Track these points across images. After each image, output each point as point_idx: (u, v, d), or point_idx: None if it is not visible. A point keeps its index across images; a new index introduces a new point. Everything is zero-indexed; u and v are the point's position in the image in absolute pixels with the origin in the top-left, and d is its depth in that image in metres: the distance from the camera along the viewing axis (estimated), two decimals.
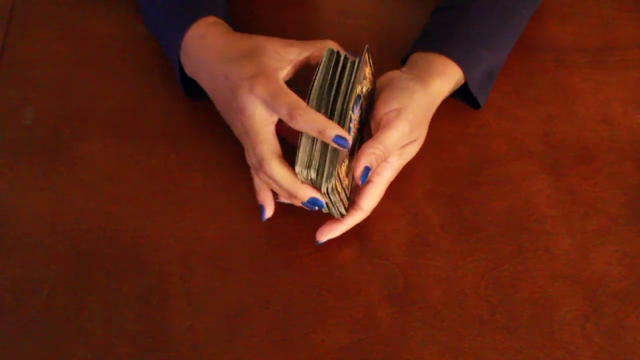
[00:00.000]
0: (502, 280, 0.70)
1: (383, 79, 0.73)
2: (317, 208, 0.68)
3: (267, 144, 0.66)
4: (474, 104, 0.78)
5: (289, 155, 0.67)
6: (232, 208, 0.74)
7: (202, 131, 0.77)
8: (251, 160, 0.68)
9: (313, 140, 0.65)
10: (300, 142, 0.65)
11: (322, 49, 0.69)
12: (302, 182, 0.66)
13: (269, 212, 0.71)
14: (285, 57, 0.68)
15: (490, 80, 0.77)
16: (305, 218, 0.71)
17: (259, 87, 0.66)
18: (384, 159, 0.69)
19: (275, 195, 0.71)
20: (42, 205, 0.74)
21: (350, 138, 0.64)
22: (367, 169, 0.67)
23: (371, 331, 0.68)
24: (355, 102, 0.67)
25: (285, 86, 0.66)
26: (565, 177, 0.75)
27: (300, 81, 0.70)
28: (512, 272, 0.70)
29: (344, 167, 0.67)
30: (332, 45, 0.70)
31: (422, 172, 0.75)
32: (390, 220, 0.73)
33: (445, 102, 0.76)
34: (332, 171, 0.64)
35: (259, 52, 0.68)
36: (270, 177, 0.67)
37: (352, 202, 0.70)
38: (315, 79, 0.67)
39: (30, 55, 0.83)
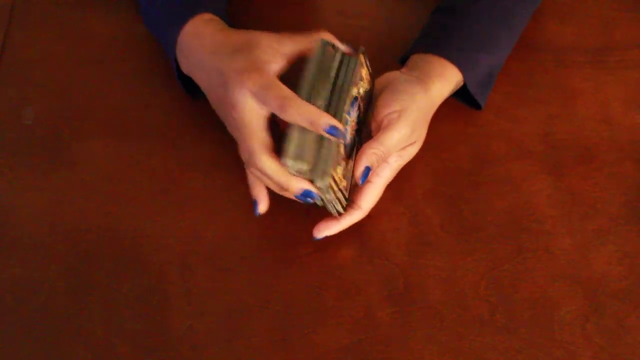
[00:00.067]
0: (502, 280, 0.70)
1: (383, 79, 0.73)
2: (310, 200, 0.67)
3: (257, 138, 0.66)
4: (475, 105, 0.78)
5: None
6: (232, 208, 0.74)
7: (202, 131, 0.77)
8: (243, 155, 0.68)
9: (304, 132, 0.64)
10: (288, 134, 0.64)
11: (316, 40, 0.68)
12: (293, 174, 0.65)
13: (262, 206, 0.70)
14: (279, 50, 0.68)
15: (491, 80, 0.77)
16: (305, 218, 0.71)
17: (250, 81, 0.65)
18: (384, 160, 0.69)
19: (269, 190, 0.70)
20: (42, 205, 0.74)
21: (343, 127, 0.63)
22: (367, 169, 0.67)
23: (371, 331, 0.68)
24: (352, 104, 0.67)
25: (276, 79, 0.66)
26: (565, 177, 0.75)
27: (295, 75, 0.69)
28: (512, 272, 0.70)
29: (340, 169, 0.67)
30: (327, 36, 0.69)
31: (422, 172, 0.75)
32: (390, 220, 0.73)
33: (445, 102, 0.76)
34: (326, 169, 0.64)
35: (252, 47, 0.68)
36: (260, 170, 0.66)
37: (350, 201, 0.70)
38: (306, 71, 0.66)
39: (30, 55, 0.83)
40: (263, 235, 0.72)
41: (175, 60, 0.75)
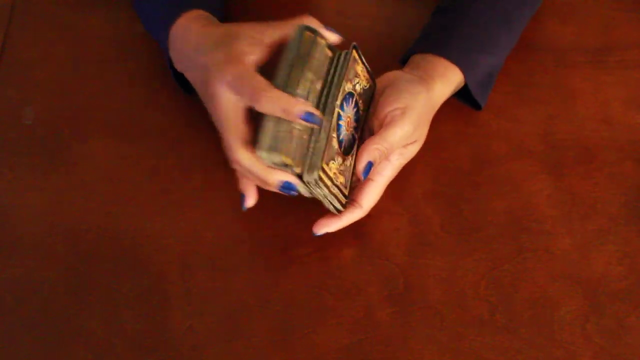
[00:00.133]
0: (502, 280, 0.70)
1: (385, 78, 0.73)
2: (295, 193, 0.66)
3: (235, 130, 0.65)
4: (475, 105, 0.78)
5: None
6: (232, 208, 0.74)
7: (202, 131, 0.77)
8: (225, 150, 0.67)
9: (279, 123, 0.63)
10: (263, 125, 0.63)
11: (295, 26, 0.66)
12: (271, 167, 0.64)
13: (249, 201, 0.70)
14: (260, 40, 0.67)
15: (491, 80, 0.77)
16: (305, 218, 0.71)
17: (227, 73, 0.64)
18: (386, 156, 0.68)
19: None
20: (42, 205, 0.74)
21: (319, 113, 0.63)
22: (369, 164, 0.67)
23: (371, 331, 0.68)
24: (346, 99, 0.66)
25: (252, 70, 0.65)
26: (565, 177, 0.75)
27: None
28: (512, 272, 0.70)
29: (334, 165, 0.66)
30: (310, 21, 0.67)
31: (422, 172, 0.75)
32: (390, 220, 0.73)
33: (446, 102, 0.76)
34: (316, 162, 0.63)
35: (232, 38, 0.67)
36: (239, 164, 0.66)
37: (351, 199, 0.70)
38: (282, 58, 0.65)
39: (30, 55, 0.83)
40: (263, 235, 0.72)
41: (170, 60, 0.75)
